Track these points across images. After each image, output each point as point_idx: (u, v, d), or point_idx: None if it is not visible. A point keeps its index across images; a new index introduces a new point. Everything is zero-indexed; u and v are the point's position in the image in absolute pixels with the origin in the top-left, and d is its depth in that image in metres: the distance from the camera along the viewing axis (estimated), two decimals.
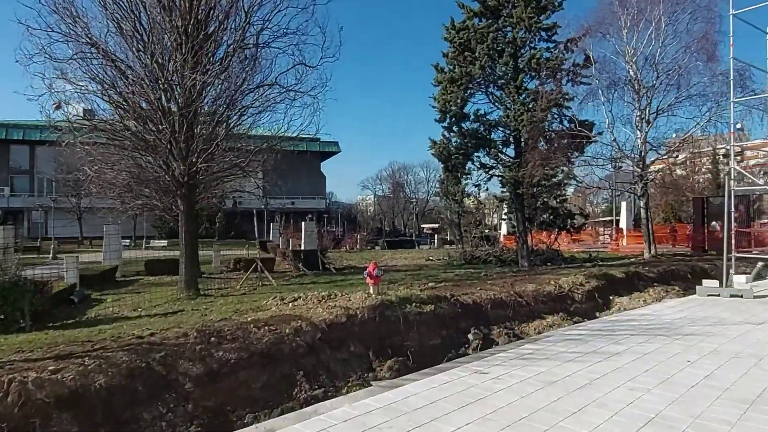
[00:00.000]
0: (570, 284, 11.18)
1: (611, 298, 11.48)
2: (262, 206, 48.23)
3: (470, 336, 8.42)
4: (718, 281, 8.51)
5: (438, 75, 22.08)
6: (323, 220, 65.04)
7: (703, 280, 8.80)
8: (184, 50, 11.58)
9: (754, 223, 21.49)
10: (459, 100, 21.12)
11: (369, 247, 43.01)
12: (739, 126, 24.83)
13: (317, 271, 19.45)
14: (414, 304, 8.46)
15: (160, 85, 11.82)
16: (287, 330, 6.90)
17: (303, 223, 24.43)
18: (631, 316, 6.90)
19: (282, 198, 58.56)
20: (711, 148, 36.97)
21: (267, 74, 13.74)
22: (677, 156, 20.90)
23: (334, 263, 24.45)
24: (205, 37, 12.18)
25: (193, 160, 12.31)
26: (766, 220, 21.06)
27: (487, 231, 40.66)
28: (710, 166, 41.68)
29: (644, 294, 11.63)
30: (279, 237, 33.35)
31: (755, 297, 8.12)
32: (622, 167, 27.40)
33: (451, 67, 21.55)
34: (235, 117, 14.18)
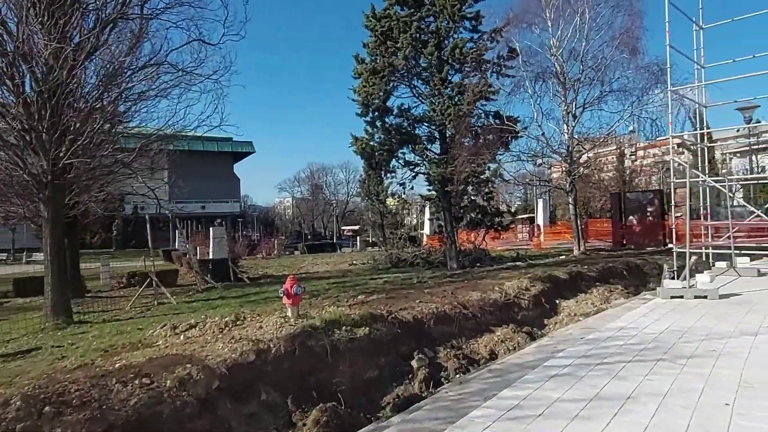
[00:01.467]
0: (515, 290, 10.01)
1: (557, 302, 10.49)
2: (167, 212, 44.17)
3: (414, 363, 6.85)
4: (680, 282, 7.63)
5: (358, 66, 20.52)
6: (238, 225, 61.34)
7: (664, 281, 7.96)
8: (40, 9, 9.06)
9: (668, 217, 22.09)
10: (381, 93, 19.68)
11: (288, 253, 40.59)
12: (631, 128, 25.69)
13: (228, 283, 17.19)
14: (344, 327, 6.74)
15: (9, 54, 9.20)
16: (169, 382, 4.91)
17: (210, 228, 21.84)
18: (610, 331, 5.66)
19: (191, 202, 54.33)
20: (616, 147, 38.57)
21: (157, 52, 11.46)
22: (588, 152, 20.90)
23: (249, 272, 22.15)
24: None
25: (60, 154, 9.78)
26: (678, 214, 21.67)
27: (412, 232, 39.82)
28: (617, 164, 43.68)
29: (589, 296, 10.78)
30: (185, 245, 30.07)
31: (720, 297, 7.27)
32: (541, 164, 27.58)
33: (373, 58, 20.08)
34: (119, 103, 11.74)
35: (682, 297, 7.44)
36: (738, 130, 19.61)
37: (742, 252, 10.90)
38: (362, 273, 19.21)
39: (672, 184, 11.36)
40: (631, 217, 22.98)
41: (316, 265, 25.81)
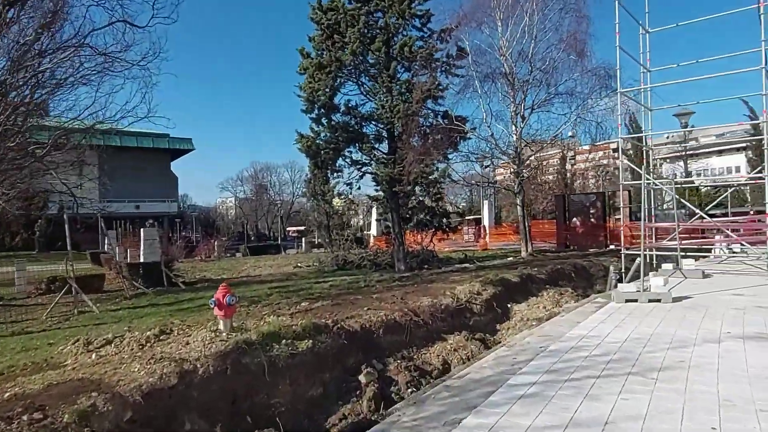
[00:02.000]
0: (467, 294, 9.61)
1: (509, 306, 10.20)
2: (95, 211, 41.22)
3: (362, 378, 6.24)
4: (634, 285, 7.46)
5: (304, 61, 19.70)
6: (176, 226, 58.48)
7: (619, 285, 7.77)
8: None
9: (609, 219, 22.71)
10: (328, 89, 18.97)
11: (229, 255, 38.93)
12: (570, 134, 26.33)
13: (161, 288, 15.92)
14: (284, 341, 6.03)
15: None
16: (68, 416, 4.05)
17: (141, 230, 20.31)
18: (571, 340, 5.28)
19: (124, 201, 51.20)
20: (560, 150, 39.64)
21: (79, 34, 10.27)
22: (535, 153, 21.11)
23: (185, 276, 20.83)
24: None
25: None
26: (619, 216, 22.36)
27: (358, 233, 39.25)
28: (558, 167, 44.93)
29: (541, 299, 10.57)
30: (115, 247, 27.96)
31: (673, 300, 7.14)
32: (488, 166, 27.74)
33: (319, 53, 19.33)
34: (32, 89, 10.48)
35: (636, 301, 7.26)
36: (679, 135, 20.33)
37: (687, 254, 11.09)
38: (307, 276, 18.42)
39: (620, 185, 11.34)
40: (574, 219, 23.45)
41: (259, 268, 24.70)
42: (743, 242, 13.25)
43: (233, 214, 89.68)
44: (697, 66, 11.40)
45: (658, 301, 7.17)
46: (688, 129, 18.32)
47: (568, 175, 45.77)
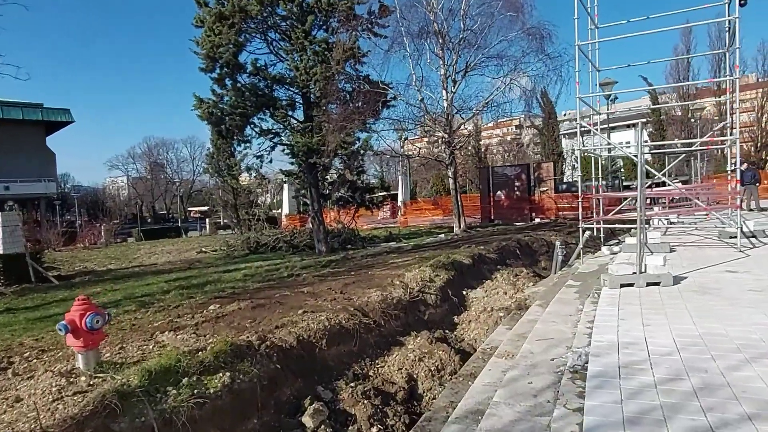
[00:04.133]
0: (418, 282, 7.95)
1: (464, 293, 8.71)
2: None
3: (307, 419, 4.33)
4: (632, 267, 6.22)
5: (201, 11, 16.73)
6: (56, 209, 51.52)
7: (610, 266, 6.51)
8: None
9: (535, 191, 22.33)
10: (231, 45, 16.23)
11: (119, 240, 34.41)
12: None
13: (27, 285, 12.88)
14: (187, 379, 3.94)
15: None
16: None
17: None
18: (604, 352, 3.76)
19: None
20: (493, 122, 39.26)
21: None
22: (467, 121, 19.90)
23: (60, 269, 17.44)
24: None
25: None
26: (545, 188, 22.07)
27: (270, 212, 36.53)
28: (473, 142, 44.79)
29: (496, 283, 9.19)
30: None
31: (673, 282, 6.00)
32: (405, 138, 26.29)
33: (220, 1, 16.46)
34: None
35: (632, 285, 6.03)
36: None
37: (628, 227, 10.32)
38: (214, 263, 15.89)
39: (578, 152, 10.24)
40: (499, 192, 22.81)
41: (155, 255, 21.50)
42: (679, 214, 12.96)
43: (126, 194, 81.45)
44: (648, 22, 10.48)
45: (657, 284, 6.00)
46: (613, 95, 17.91)
47: (482, 149, 45.93)
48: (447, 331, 7.17)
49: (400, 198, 39.99)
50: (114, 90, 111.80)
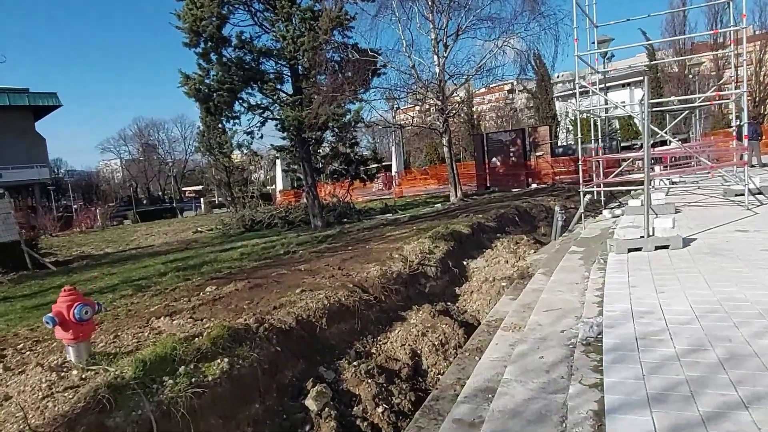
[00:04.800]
0: (418, 255, 7.79)
1: (464, 263, 8.57)
2: None
3: (310, 402, 4.21)
4: (638, 230, 6.05)
5: None
6: (50, 195, 50.93)
7: (615, 231, 6.35)
8: None
9: (531, 156, 22.05)
10: (215, 18, 15.66)
11: (116, 223, 34.19)
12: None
13: (24, 272, 12.77)
14: (185, 367, 3.79)
15: None
16: None
17: None
18: (617, 322, 3.57)
19: None
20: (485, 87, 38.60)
21: None
22: (460, 87, 19.44)
23: (58, 254, 17.31)
24: None
25: None
26: (541, 153, 21.78)
27: (264, 188, 36.21)
28: (466, 109, 44.14)
29: (496, 251, 9.06)
30: None
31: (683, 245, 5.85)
32: (397, 108, 25.75)
33: None
34: None
35: (640, 249, 5.87)
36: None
37: (630, 189, 10.16)
38: (210, 242, 15.74)
39: (574, 114, 9.94)
40: (494, 159, 22.49)
41: (151, 236, 21.35)
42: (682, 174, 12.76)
43: (120, 177, 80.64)
44: None
45: (666, 247, 5.84)
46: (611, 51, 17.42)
47: (475, 116, 45.29)
48: (449, 303, 7.05)
49: (394, 169, 39.64)
50: (99, 71, 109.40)
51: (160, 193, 77.33)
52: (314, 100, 16.13)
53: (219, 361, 4.02)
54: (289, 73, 17.29)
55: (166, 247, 16.20)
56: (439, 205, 17.78)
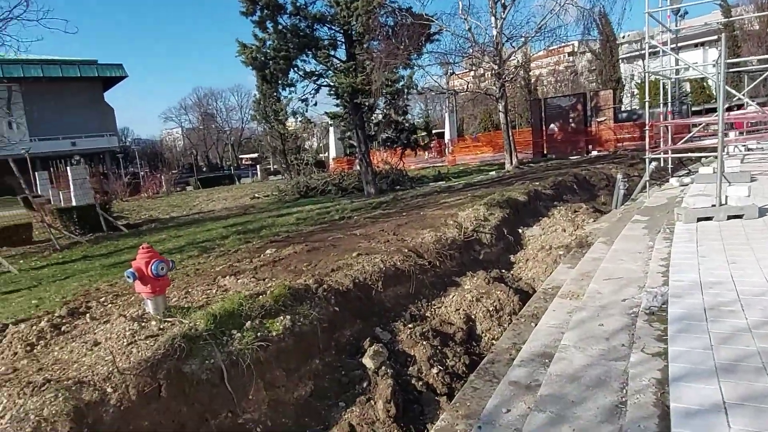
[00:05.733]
0: (472, 221, 7.76)
1: (520, 231, 8.46)
2: (21, 152, 36.37)
3: (367, 360, 4.38)
4: (709, 199, 5.75)
5: None
6: (119, 162, 53.86)
7: (684, 199, 6.05)
8: None
9: (592, 122, 21.09)
10: None
11: (179, 189, 35.84)
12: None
13: (99, 234, 13.68)
14: (250, 323, 4.02)
15: None
16: None
17: (68, 169, 17.37)
18: (677, 289, 3.49)
19: (57, 139, 46.06)
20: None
21: None
22: (518, 50, 18.62)
23: (128, 218, 18.45)
24: None
25: None
26: (603, 118, 20.77)
27: (318, 156, 36.68)
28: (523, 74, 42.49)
29: (553, 219, 8.87)
30: (48, 189, 24.69)
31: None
32: (452, 73, 25.09)
33: None
34: None
35: (711, 218, 5.58)
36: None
37: (701, 156, 9.53)
38: (267, 208, 16.25)
39: (639, 77, 9.38)
40: (552, 125, 21.68)
41: (212, 202, 22.27)
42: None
43: (181, 145, 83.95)
44: None
45: (740, 216, 5.52)
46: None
47: (532, 80, 43.55)
48: (503, 271, 7.02)
49: (447, 136, 39.01)
50: (161, 42, 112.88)
51: (218, 160, 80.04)
52: (367, 66, 16.05)
53: (281, 318, 4.23)
54: (342, 39, 17.24)
55: (226, 212, 16.89)
56: (493, 172, 17.47)
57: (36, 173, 27.26)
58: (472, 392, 3.52)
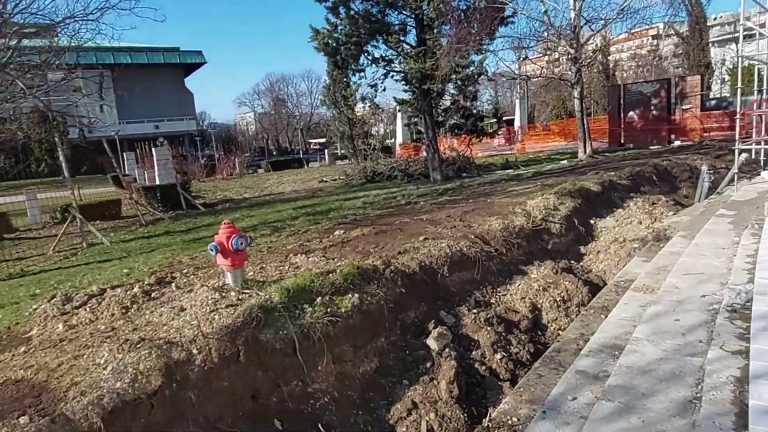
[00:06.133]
0: (541, 210, 7.60)
1: (592, 222, 8.19)
2: (112, 134, 39.28)
3: (432, 342, 4.46)
4: None
5: None
6: (196, 144, 56.84)
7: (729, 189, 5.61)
8: None
9: (676, 110, 19.79)
10: None
11: (251, 172, 37.37)
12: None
13: (179, 212, 14.60)
14: (320, 298, 4.22)
15: None
16: None
17: (153, 150, 18.61)
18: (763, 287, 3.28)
19: (142, 122, 49.36)
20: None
21: None
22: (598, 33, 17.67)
23: (205, 197, 19.52)
24: None
25: None
26: (689, 106, 19.43)
27: (385, 141, 36.98)
28: (601, 58, 40.41)
29: (629, 211, 8.50)
30: (134, 169, 26.64)
31: None
32: (526, 57, 24.31)
33: None
34: None
35: None
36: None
37: None
38: (334, 192, 16.65)
39: (738, 60, 8.71)
40: (631, 113, 20.53)
41: (282, 184, 23.08)
42: None
43: (253, 129, 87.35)
44: None
45: None
46: None
47: (611, 65, 41.30)
48: (573, 262, 6.85)
49: (516, 123, 37.95)
50: (236, 28, 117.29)
51: (287, 144, 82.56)
52: (438, 52, 15.91)
53: (350, 295, 4.39)
54: (413, 24, 17.16)
55: (295, 194, 17.48)
56: (565, 161, 16.87)
57: (124, 154, 29.48)
58: (537, 379, 3.52)
